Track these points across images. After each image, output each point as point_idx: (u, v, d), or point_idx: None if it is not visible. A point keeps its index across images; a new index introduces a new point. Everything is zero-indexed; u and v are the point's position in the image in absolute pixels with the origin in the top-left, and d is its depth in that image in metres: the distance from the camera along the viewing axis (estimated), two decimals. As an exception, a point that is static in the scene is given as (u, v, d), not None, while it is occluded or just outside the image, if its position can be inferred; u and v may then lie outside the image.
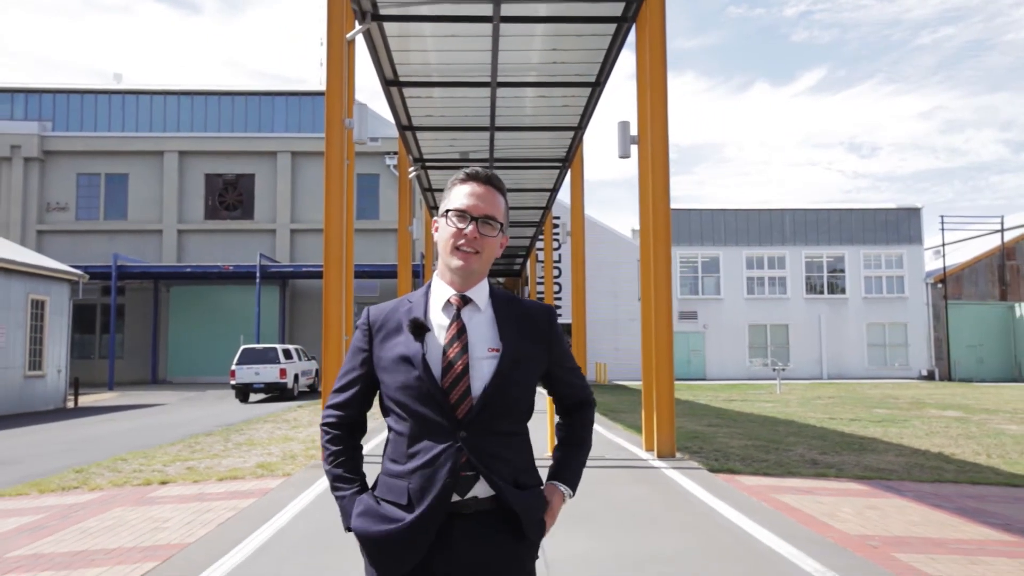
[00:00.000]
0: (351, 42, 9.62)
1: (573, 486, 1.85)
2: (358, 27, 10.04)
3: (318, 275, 28.11)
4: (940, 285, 34.82)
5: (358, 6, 10.18)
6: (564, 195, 22.01)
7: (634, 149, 10.04)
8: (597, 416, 13.96)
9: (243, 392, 20.15)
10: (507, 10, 10.65)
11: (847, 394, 21.99)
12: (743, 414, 15.10)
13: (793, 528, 5.42)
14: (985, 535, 5.30)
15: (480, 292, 1.78)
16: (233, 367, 20.04)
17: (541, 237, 28.24)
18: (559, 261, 32.99)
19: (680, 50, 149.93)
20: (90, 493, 7.11)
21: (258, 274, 28.42)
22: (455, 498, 1.66)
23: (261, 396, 21.54)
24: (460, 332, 1.71)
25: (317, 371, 23.73)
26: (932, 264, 36.91)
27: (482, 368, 1.69)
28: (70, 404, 19.73)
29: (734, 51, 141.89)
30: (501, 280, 40.61)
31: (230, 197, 32.77)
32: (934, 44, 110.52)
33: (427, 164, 18.61)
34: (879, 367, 34.26)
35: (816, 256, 35.09)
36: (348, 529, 1.74)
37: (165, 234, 31.99)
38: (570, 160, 17.85)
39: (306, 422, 13.80)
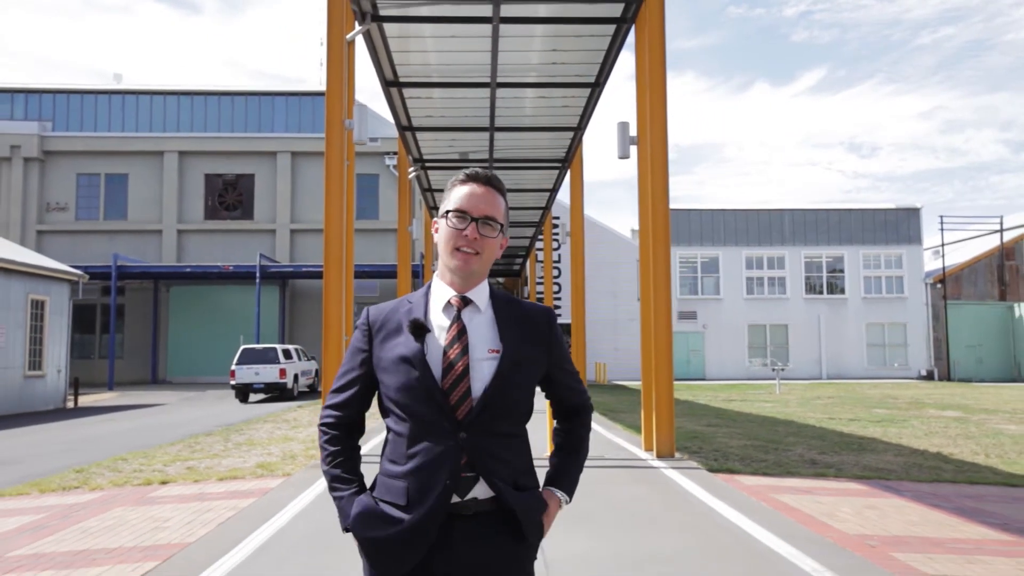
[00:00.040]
0: (351, 43, 9.64)
1: (570, 492, 1.84)
2: (358, 28, 10.06)
3: (318, 275, 28.12)
4: (939, 285, 34.85)
5: (358, 7, 10.19)
6: (564, 195, 22.03)
7: (633, 150, 10.06)
8: (596, 416, 14.05)
9: (243, 392, 20.17)
10: (507, 11, 10.66)
11: (846, 394, 22.01)
12: (742, 414, 15.11)
13: (792, 528, 5.43)
14: (983, 535, 5.31)
15: (480, 293, 1.78)
16: (233, 367, 20.06)
17: (541, 237, 28.26)
18: (559, 261, 33.01)
19: (680, 50, 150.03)
20: (91, 493, 7.13)
21: (258, 274, 28.44)
22: (455, 499, 1.66)
23: (261, 396, 21.56)
24: (461, 333, 1.71)
25: (317, 371, 23.75)
26: (931, 264, 36.95)
27: (482, 369, 1.69)
28: (70, 404, 19.74)
29: (734, 51, 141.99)
30: (501, 280, 40.63)
31: (230, 197, 32.78)
32: (934, 44, 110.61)
33: (427, 164, 18.63)
34: (878, 367, 34.28)
35: (815, 256, 35.11)
36: (346, 530, 1.74)
37: (165, 234, 32.01)
38: (570, 160, 17.87)
39: (306, 422, 13.81)
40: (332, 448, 1.80)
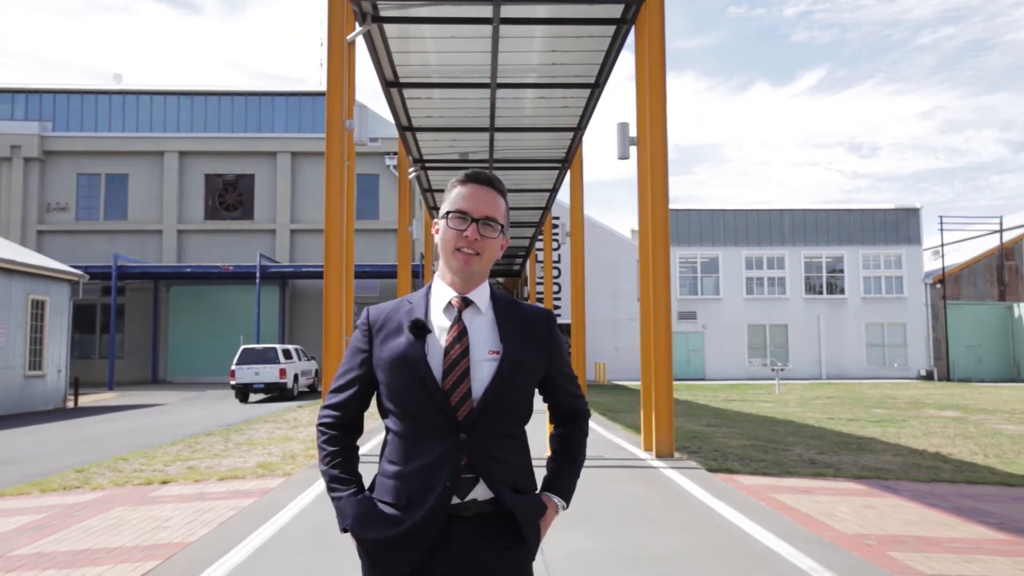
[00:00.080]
0: (351, 44, 9.66)
1: (567, 499, 1.84)
2: (358, 29, 10.08)
3: (318, 275, 28.14)
4: (939, 285, 34.86)
5: (358, 8, 10.20)
6: (564, 195, 22.03)
7: (633, 150, 10.08)
8: (596, 416, 14.07)
9: (243, 392, 20.18)
10: (507, 12, 10.67)
11: (846, 394, 22.03)
12: (742, 414, 15.13)
13: (791, 527, 5.45)
14: (980, 534, 5.33)
15: (481, 294, 1.78)
16: (233, 367, 20.07)
17: (540, 237, 28.27)
18: (559, 261, 33.03)
19: (680, 50, 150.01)
20: (91, 492, 7.14)
21: (258, 274, 28.45)
22: (455, 500, 1.66)
23: (261, 396, 21.57)
24: (462, 334, 1.71)
25: (317, 371, 23.77)
26: (931, 264, 36.96)
27: (482, 370, 1.69)
28: (70, 404, 19.75)
29: (734, 51, 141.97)
30: (500, 280, 40.63)
31: (230, 197, 32.79)
32: (934, 44, 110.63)
33: (427, 165, 18.64)
34: (878, 367, 34.30)
35: (815, 256, 35.13)
36: (344, 530, 1.73)
37: (165, 234, 32.02)
38: (569, 161, 17.88)
39: (306, 422, 13.83)
40: (330, 448, 1.79)
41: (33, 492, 7.19)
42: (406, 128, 15.67)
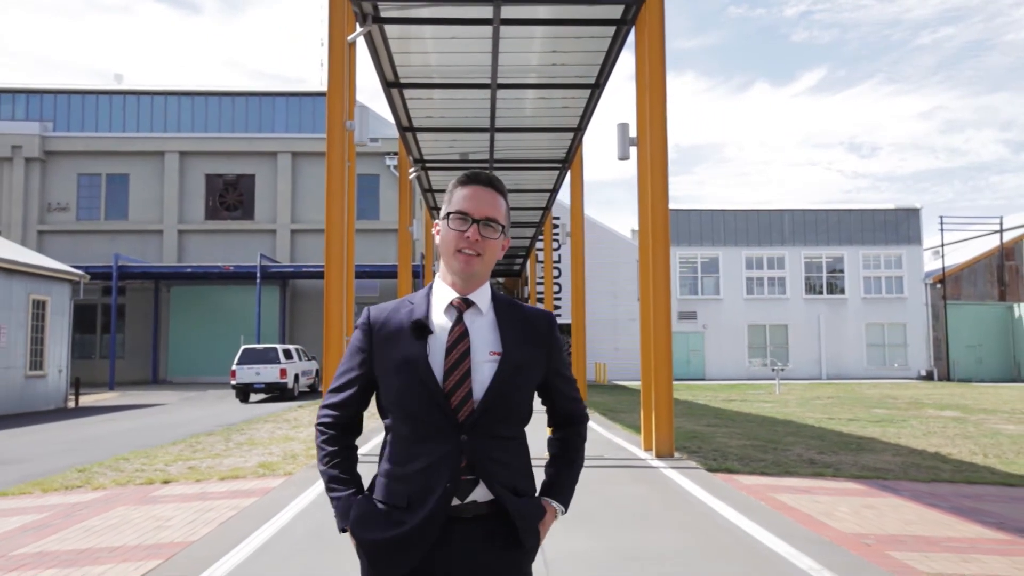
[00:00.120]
0: (352, 44, 9.68)
1: (566, 503, 1.85)
2: (359, 29, 10.10)
3: (318, 275, 28.16)
4: (939, 285, 34.87)
5: (359, 9, 10.22)
6: (564, 195, 22.05)
7: (633, 151, 10.09)
8: (596, 416, 14.09)
9: (243, 392, 20.20)
10: (507, 12, 10.69)
11: (846, 394, 22.04)
12: (742, 414, 15.14)
13: (790, 527, 5.47)
14: (979, 534, 5.35)
15: (482, 295, 1.78)
16: (233, 367, 20.09)
17: (541, 237, 28.28)
18: (559, 261, 33.04)
19: (680, 50, 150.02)
20: (93, 492, 7.16)
21: (258, 274, 28.46)
22: (455, 502, 1.66)
23: (261, 396, 21.59)
24: (463, 335, 1.71)
25: (317, 371, 23.79)
26: (931, 264, 36.97)
27: (483, 372, 1.68)
28: (71, 404, 19.77)
29: (734, 51, 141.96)
30: (501, 280, 40.64)
31: (230, 197, 32.81)
32: (934, 44, 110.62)
33: (427, 165, 18.66)
34: (878, 367, 34.31)
35: (815, 256, 35.14)
36: (343, 530, 1.73)
37: (166, 234, 32.04)
38: (570, 161, 17.89)
39: (307, 422, 13.85)
40: (329, 448, 1.78)
41: (35, 492, 7.21)
42: (406, 128, 15.68)
